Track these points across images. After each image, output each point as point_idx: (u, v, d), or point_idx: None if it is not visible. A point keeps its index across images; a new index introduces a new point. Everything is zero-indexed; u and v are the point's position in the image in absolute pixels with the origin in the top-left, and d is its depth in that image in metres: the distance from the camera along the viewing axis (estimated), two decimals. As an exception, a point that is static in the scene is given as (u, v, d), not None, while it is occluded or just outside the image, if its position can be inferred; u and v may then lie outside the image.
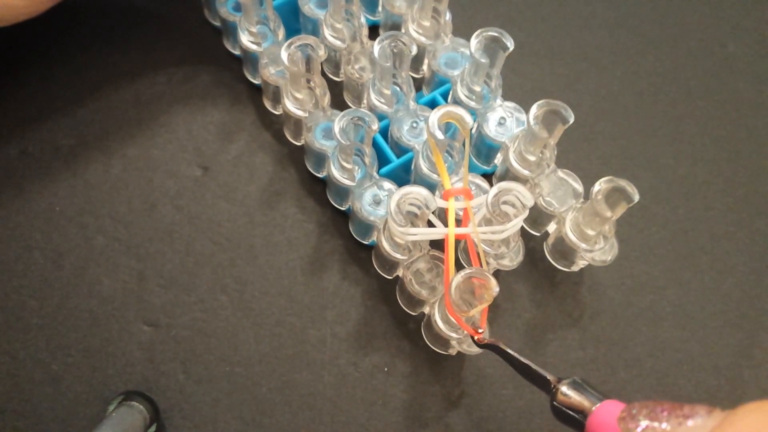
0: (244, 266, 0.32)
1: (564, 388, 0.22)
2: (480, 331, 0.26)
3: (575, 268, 0.31)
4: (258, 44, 0.32)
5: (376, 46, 0.29)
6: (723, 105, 0.36)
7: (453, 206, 0.27)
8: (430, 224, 0.28)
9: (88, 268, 0.32)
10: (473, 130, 0.31)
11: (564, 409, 0.22)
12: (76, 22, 0.37)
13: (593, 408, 0.21)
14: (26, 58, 0.36)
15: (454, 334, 0.27)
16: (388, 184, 0.30)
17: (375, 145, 0.31)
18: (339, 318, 0.31)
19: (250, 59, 0.34)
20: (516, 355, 0.24)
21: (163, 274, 0.32)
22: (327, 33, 0.32)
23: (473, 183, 0.30)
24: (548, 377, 0.23)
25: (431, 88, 0.33)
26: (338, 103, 0.33)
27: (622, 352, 0.31)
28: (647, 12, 0.39)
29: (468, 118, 0.26)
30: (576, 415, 0.21)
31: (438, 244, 0.29)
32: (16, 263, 0.32)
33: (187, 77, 0.36)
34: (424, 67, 0.34)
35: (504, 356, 0.25)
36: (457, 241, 0.28)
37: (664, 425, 0.18)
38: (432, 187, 0.29)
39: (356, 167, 0.30)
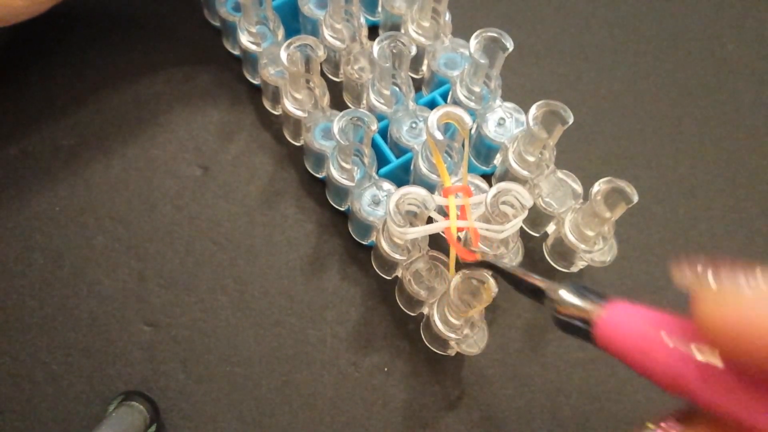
0: (244, 266, 0.32)
1: (562, 292, 0.20)
2: (474, 250, 0.24)
3: (574, 269, 0.31)
4: (257, 44, 0.32)
5: (376, 47, 0.29)
6: (723, 105, 0.36)
7: (453, 202, 0.27)
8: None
9: (88, 268, 0.32)
10: (472, 131, 0.31)
11: (566, 319, 0.20)
12: (76, 22, 0.37)
13: (600, 309, 0.19)
14: (26, 58, 0.36)
15: (452, 335, 0.27)
16: (387, 185, 0.30)
17: (374, 145, 0.31)
18: (339, 318, 0.31)
19: (249, 59, 0.34)
20: (508, 268, 0.24)
21: (163, 274, 0.32)
22: (326, 33, 0.32)
23: (472, 183, 0.30)
24: (543, 286, 0.21)
25: (431, 89, 0.33)
26: (338, 104, 0.33)
27: (622, 352, 0.31)
28: (647, 12, 0.39)
29: (467, 118, 0.26)
30: (581, 324, 0.19)
31: (438, 245, 0.29)
32: (16, 263, 0.32)
33: (187, 77, 0.36)
34: (424, 67, 0.34)
35: (497, 270, 0.24)
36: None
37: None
38: (431, 187, 0.29)
39: (355, 167, 0.30)
